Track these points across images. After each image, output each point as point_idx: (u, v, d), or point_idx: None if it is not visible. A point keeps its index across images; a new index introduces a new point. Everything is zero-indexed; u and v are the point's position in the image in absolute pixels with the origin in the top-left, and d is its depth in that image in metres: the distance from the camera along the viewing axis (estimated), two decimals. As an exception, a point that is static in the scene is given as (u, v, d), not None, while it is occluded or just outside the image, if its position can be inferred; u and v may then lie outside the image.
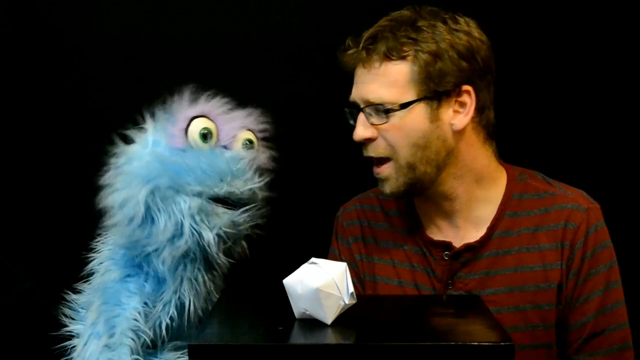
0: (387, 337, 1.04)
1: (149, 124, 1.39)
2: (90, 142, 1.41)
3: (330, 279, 1.08)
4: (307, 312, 1.10)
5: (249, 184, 1.36)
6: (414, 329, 1.05)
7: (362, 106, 1.39)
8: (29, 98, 1.89)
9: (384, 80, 1.36)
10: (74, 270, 1.47)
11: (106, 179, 1.37)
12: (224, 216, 1.34)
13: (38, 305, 1.69)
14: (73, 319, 1.43)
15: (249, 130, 1.41)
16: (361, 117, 1.39)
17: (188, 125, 1.35)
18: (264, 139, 1.41)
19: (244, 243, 1.40)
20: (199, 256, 1.36)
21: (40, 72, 1.89)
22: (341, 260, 1.52)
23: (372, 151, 1.40)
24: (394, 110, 1.35)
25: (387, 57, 1.35)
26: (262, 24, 1.87)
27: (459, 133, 1.39)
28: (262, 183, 1.38)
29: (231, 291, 1.22)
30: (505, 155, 1.49)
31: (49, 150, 1.88)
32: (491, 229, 1.42)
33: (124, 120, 1.39)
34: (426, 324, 1.05)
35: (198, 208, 1.33)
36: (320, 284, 1.08)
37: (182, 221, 1.32)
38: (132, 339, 1.36)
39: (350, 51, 1.40)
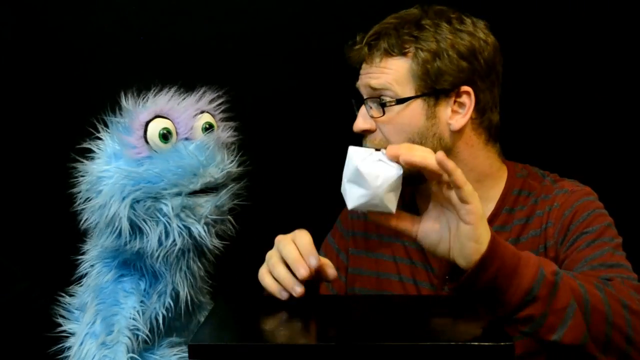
0: (385, 337, 1.04)
1: (105, 136, 1.38)
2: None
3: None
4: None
5: (221, 166, 1.37)
6: (413, 328, 1.04)
7: (364, 98, 1.42)
8: (29, 99, 1.89)
9: (384, 75, 1.39)
10: (71, 270, 1.47)
11: (83, 196, 1.36)
12: (206, 205, 1.35)
13: (36, 304, 1.69)
14: (68, 319, 1.43)
15: (205, 112, 1.40)
16: (362, 109, 1.42)
17: (145, 131, 1.34)
18: (222, 112, 1.42)
19: (229, 219, 1.42)
20: (192, 247, 1.37)
21: (40, 71, 1.89)
22: (333, 250, 1.56)
23: (369, 142, 1.42)
24: (390, 105, 1.38)
25: (388, 53, 1.38)
26: (260, 22, 1.88)
27: (457, 133, 1.40)
28: (234, 161, 1.40)
29: (230, 291, 1.22)
30: (506, 153, 1.49)
31: (48, 151, 1.88)
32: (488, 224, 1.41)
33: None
34: (425, 324, 1.05)
35: (181, 206, 1.33)
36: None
37: (169, 223, 1.32)
38: (129, 338, 1.36)
39: (356, 47, 1.43)
